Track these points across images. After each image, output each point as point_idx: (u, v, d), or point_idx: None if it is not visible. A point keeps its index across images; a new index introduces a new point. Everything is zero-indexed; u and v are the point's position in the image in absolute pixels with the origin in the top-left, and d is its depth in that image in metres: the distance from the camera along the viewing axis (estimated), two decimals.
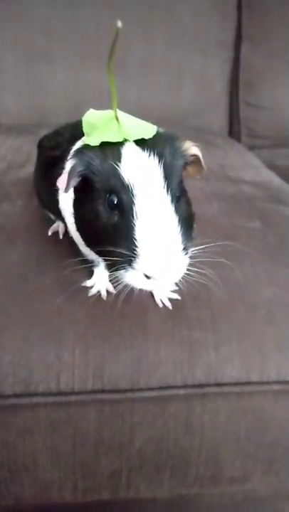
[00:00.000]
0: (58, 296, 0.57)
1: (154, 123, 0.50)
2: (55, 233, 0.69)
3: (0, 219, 0.72)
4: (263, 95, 1.41)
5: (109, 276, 0.58)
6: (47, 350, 0.52)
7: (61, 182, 0.46)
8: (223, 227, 0.74)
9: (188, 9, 1.35)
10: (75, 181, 0.47)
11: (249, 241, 0.71)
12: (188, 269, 0.46)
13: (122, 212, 0.44)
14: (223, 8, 1.38)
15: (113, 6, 1.30)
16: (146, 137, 0.46)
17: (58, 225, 0.69)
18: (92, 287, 0.59)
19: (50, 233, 0.69)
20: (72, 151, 0.49)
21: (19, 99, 1.28)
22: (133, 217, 0.43)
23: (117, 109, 0.47)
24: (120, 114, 0.48)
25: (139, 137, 0.46)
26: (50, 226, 0.70)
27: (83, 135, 0.54)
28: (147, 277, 0.44)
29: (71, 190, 0.48)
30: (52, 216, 0.70)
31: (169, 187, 0.45)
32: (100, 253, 0.48)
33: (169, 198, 0.45)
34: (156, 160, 0.45)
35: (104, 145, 0.46)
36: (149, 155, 0.45)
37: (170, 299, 0.58)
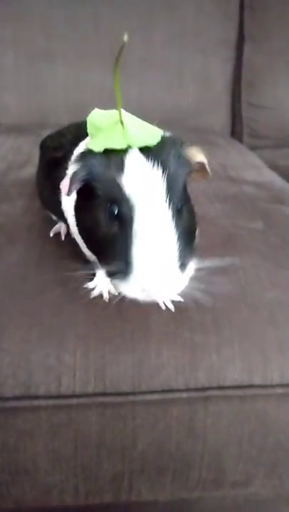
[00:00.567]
0: (58, 297, 0.56)
1: (156, 124, 0.49)
2: (57, 234, 0.68)
3: (0, 219, 0.71)
4: (265, 95, 1.41)
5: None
6: (47, 351, 0.52)
7: (63, 186, 0.46)
8: (225, 228, 0.73)
9: (189, 8, 1.35)
10: (77, 186, 0.47)
11: (251, 242, 0.70)
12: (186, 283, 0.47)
13: (121, 224, 0.45)
14: (225, 7, 1.38)
15: (113, 5, 1.29)
16: (151, 144, 0.46)
17: (59, 226, 0.69)
18: (93, 289, 0.58)
19: (51, 234, 0.68)
20: (75, 155, 0.49)
21: (19, 98, 1.27)
22: (132, 229, 0.44)
23: (122, 110, 0.47)
24: (125, 116, 0.47)
25: (144, 144, 0.45)
26: (52, 227, 0.69)
27: (86, 137, 0.53)
28: (143, 289, 0.45)
29: (74, 194, 0.48)
30: (54, 217, 0.69)
31: (170, 200, 0.45)
32: (99, 259, 0.49)
33: (170, 212, 0.45)
34: (160, 170, 0.45)
35: (108, 151, 0.45)
36: (153, 165, 0.45)
37: (173, 301, 0.57)
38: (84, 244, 0.52)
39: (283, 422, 0.57)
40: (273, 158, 1.28)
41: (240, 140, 1.44)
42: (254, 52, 1.41)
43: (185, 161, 0.48)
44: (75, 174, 0.45)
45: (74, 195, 0.50)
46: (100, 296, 0.57)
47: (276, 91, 1.40)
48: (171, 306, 0.57)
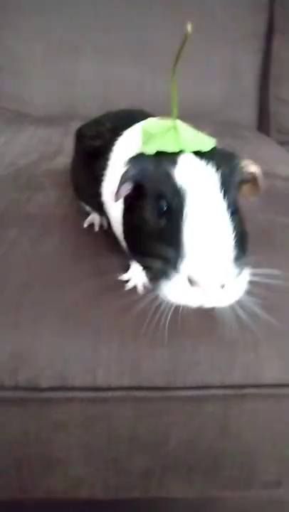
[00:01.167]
0: (94, 287, 0.56)
1: (208, 134, 0.48)
2: (91, 225, 0.68)
3: (34, 210, 0.71)
4: None
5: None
6: (83, 343, 0.51)
7: (111, 191, 0.45)
8: (261, 223, 0.71)
9: (218, 0, 1.32)
10: (126, 187, 0.45)
11: (287, 237, 0.68)
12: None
13: (170, 217, 0.42)
14: None
15: None
16: (204, 150, 0.44)
17: (93, 217, 0.68)
18: (128, 281, 0.57)
19: (85, 225, 0.67)
20: (117, 144, 0.48)
21: (48, 90, 1.27)
22: (182, 220, 0.40)
23: (177, 120, 0.46)
24: (179, 124, 0.46)
25: (197, 149, 0.44)
26: (85, 218, 0.69)
27: (125, 125, 0.52)
28: (191, 284, 0.40)
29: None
30: (87, 208, 0.69)
31: (225, 195, 0.42)
32: (141, 261, 0.45)
33: (225, 204, 0.42)
34: (214, 170, 0.43)
35: (161, 154, 0.44)
36: (207, 164, 0.43)
37: None
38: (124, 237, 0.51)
39: None
40: None
41: (268, 135, 1.41)
42: (283, 46, 1.38)
43: (238, 169, 0.46)
44: (125, 173, 0.44)
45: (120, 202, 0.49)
46: (135, 288, 0.56)
47: None
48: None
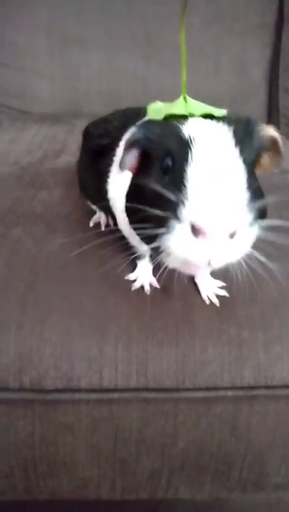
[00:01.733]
0: (99, 287, 0.55)
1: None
2: (97, 225, 0.67)
3: (38, 208, 0.70)
4: None
5: (153, 270, 0.56)
6: (89, 343, 0.50)
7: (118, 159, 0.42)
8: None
9: None
10: (132, 156, 0.42)
11: None
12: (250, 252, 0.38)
13: (175, 169, 0.37)
14: None
15: None
16: (216, 113, 0.42)
17: (99, 216, 0.67)
18: (135, 280, 0.56)
19: (91, 224, 0.66)
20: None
21: (53, 86, 1.26)
22: (187, 167, 0.36)
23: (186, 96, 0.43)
24: (189, 98, 0.44)
25: (207, 112, 0.41)
26: (91, 217, 0.68)
27: (133, 123, 0.51)
28: (195, 234, 0.35)
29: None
30: (93, 207, 0.68)
31: (239, 150, 0.37)
32: (142, 218, 0.39)
33: (237, 154, 0.37)
34: (229, 130, 0.39)
35: (170, 119, 0.41)
36: (220, 127, 0.39)
37: (217, 296, 0.55)
38: (130, 230, 0.48)
39: None
40: None
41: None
42: None
43: (256, 134, 0.41)
44: (131, 137, 0.41)
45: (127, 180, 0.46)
46: (142, 288, 0.55)
47: None
48: (216, 301, 0.55)
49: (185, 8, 0.39)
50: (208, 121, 0.41)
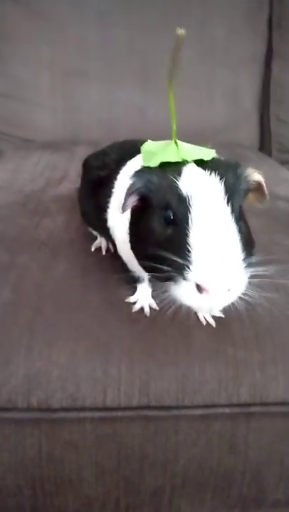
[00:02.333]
0: (103, 310, 0.58)
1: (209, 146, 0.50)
2: (98, 249, 0.70)
3: (42, 235, 0.73)
4: None
5: (153, 292, 0.59)
6: (94, 365, 0.53)
7: (118, 203, 0.46)
8: (262, 244, 0.73)
9: (219, 26, 1.37)
10: (132, 200, 0.46)
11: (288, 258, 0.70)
12: (246, 291, 0.44)
13: (176, 225, 0.42)
14: (254, 25, 1.40)
15: (145, 26, 1.32)
16: (206, 158, 0.46)
17: (100, 242, 0.71)
18: (135, 303, 0.59)
19: (93, 249, 0.70)
20: (122, 173, 0.50)
21: (54, 116, 1.31)
22: (188, 226, 0.41)
23: (177, 141, 0.48)
24: (178, 141, 0.48)
25: (198, 158, 0.46)
26: (92, 242, 0.71)
27: (130, 156, 0.55)
28: (199, 290, 0.41)
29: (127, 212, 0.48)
30: (94, 233, 0.71)
31: (229, 202, 0.43)
32: (150, 268, 0.45)
33: (229, 209, 0.43)
34: (218, 178, 0.44)
35: (164, 166, 0.46)
36: (211, 173, 0.44)
37: (213, 317, 0.58)
38: (132, 259, 0.52)
39: None
40: None
41: (269, 155, 1.44)
42: (283, 70, 1.43)
43: (242, 178, 0.46)
44: (131, 186, 0.45)
45: (127, 214, 0.50)
46: (142, 310, 0.59)
47: None
48: (212, 321, 0.58)
49: (175, 67, 0.43)
50: (201, 170, 0.45)
